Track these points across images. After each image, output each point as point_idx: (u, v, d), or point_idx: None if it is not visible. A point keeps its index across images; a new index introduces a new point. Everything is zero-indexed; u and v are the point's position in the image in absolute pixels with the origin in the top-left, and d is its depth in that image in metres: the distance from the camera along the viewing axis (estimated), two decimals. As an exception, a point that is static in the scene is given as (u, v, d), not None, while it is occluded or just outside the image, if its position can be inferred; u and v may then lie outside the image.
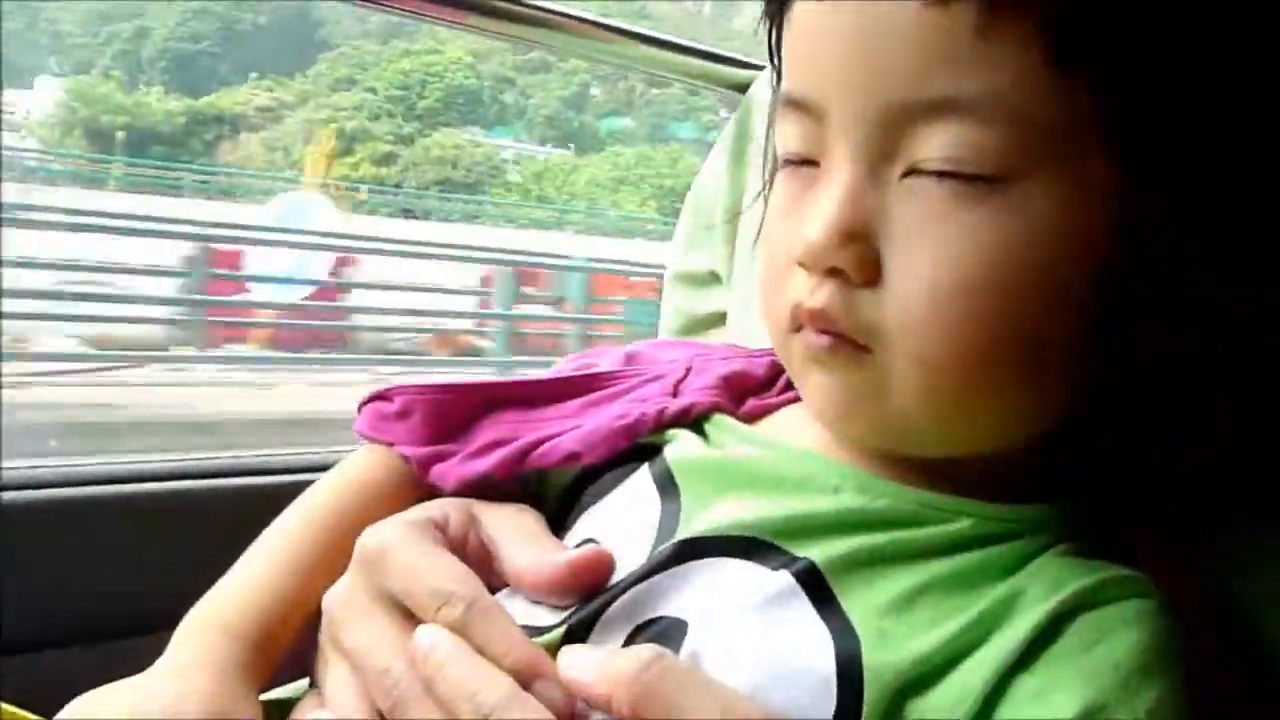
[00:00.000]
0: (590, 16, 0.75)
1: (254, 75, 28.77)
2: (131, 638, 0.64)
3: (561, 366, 0.55)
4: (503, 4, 0.73)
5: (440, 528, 0.44)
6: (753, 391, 0.51)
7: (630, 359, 0.54)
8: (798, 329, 0.42)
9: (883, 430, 0.42)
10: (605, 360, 0.54)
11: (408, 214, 22.12)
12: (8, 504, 0.63)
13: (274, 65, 28.85)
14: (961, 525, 0.40)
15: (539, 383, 0.51)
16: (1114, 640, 0.38)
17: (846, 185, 0.39)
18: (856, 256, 0.38)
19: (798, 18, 0.41)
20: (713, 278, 0.72)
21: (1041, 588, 0.39)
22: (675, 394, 0.49)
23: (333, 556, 0.45)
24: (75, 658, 0.65)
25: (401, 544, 0.42)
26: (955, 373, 0.39)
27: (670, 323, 0.74)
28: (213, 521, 0.71)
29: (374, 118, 28.65)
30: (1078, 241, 0.38)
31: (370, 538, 0.43)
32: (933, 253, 0.38)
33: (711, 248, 0.72)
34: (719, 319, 0.71)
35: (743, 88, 0.76)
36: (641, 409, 0.48)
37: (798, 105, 0.41)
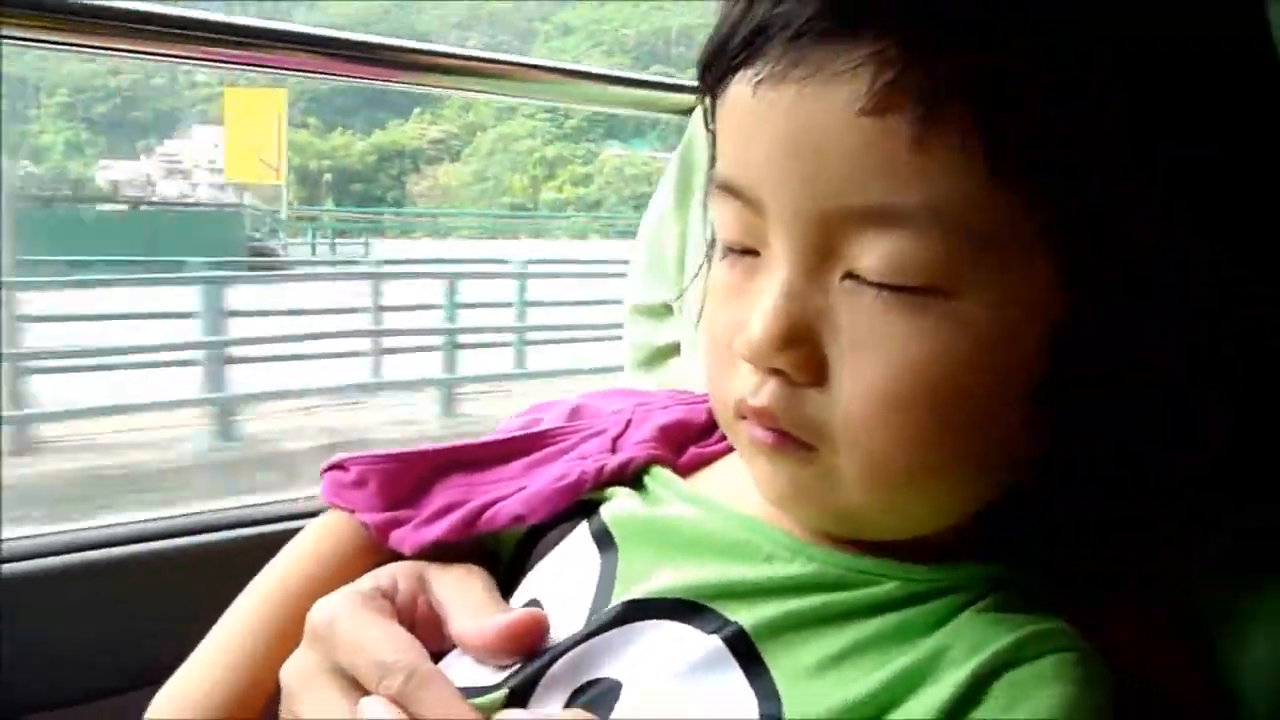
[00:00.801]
0: (524, 60, 0.77)
1: (417, 110, 29.54)
2: (113, 697, 0.67)
3: (508, 423, 0.57)
4: (440, 59, 0.75)
5: (388, 595, 0.47)
6: (693, 439, 0.52)
7: (575, 413, 0.56)
8: (743, 417, 0.42)
9: (830, 519, 0.43)
10: (550, 415, 0.56)
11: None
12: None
13: (403, 99, 29.10)
14: (888, 587, 0.41)
15: (485, 445, 0.53)
16: (1035, 699, 0.38)
17: (786, 284, 0.39)
18: (798, 358, 0.39)
19: (733, 102, 0.40)
20: (667, 309, 0.73)
21: (963, 648, 0.39)
22: (614, 449, 0.51)
23: (298, 629, 0.47)
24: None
25: (347, 616, 0.44)
26: (902, 471, 0.39)
27: (631, 354, 0.76)
28: (192, 578, 0.73)
29: (548, 141, 29.03)
30: (1022, 341, 0.38)
31: (319, 611, 0.46)
32: (875, 360, 0.38)
33: (664, 281, 0.73)
34: (677, 349, 0.73)
35: (685, 111, 0.77)
36: (581, 467, 0.50)
37: (733, 192, 0.40)
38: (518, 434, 0.54)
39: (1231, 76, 0.38)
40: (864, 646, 0.40)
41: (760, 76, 0.37)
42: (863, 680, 0.39)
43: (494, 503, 0.50)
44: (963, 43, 0.34)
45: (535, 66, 0.78)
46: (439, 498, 0.51)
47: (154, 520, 0.73)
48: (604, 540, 0.47)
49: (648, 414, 0.53)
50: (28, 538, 0.70)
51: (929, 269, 0.36)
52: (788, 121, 0.37)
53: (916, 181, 0.35)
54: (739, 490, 0.46)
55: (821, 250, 0.38)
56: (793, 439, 0.40)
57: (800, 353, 0.38)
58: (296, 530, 0.79)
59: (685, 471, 0.50)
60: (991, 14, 0.34)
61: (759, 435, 0.41)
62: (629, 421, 0.53)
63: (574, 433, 0.53)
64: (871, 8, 0.35)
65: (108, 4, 0.71)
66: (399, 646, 0.43)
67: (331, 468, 0.53)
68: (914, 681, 0.39)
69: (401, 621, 0.45)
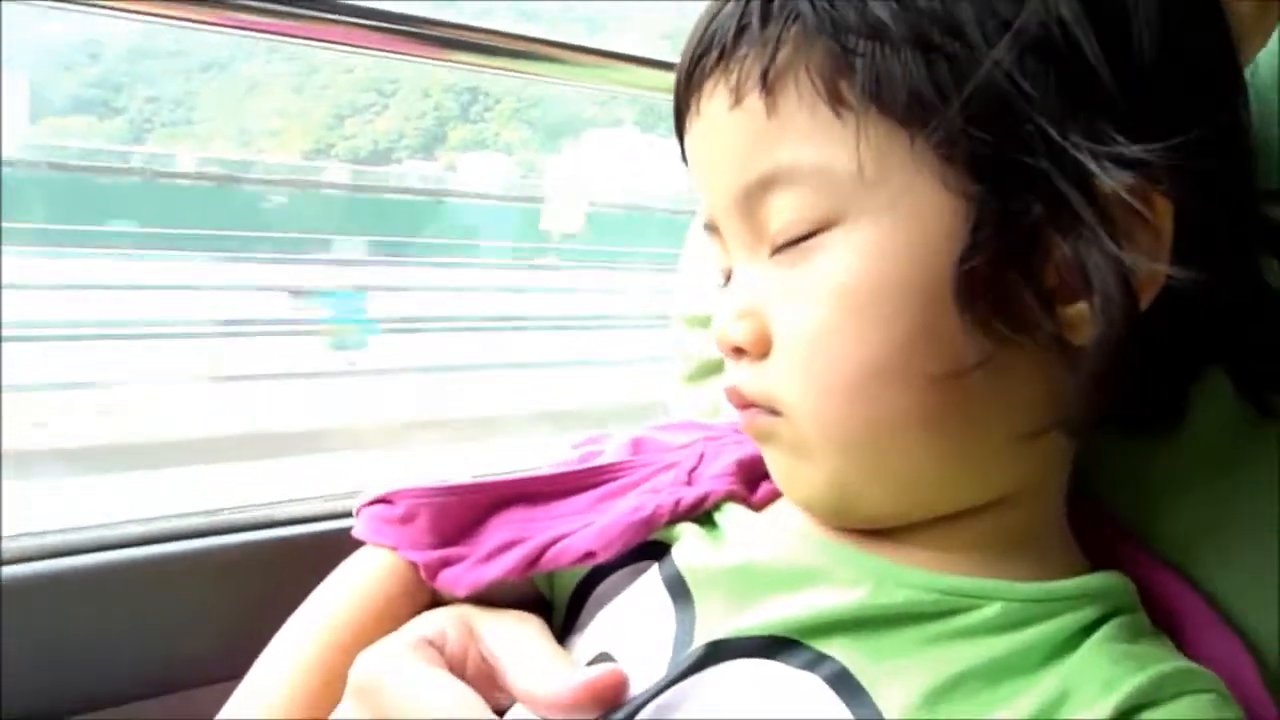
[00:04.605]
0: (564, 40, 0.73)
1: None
2: (138, 701, 0.64)
3: (566, 457, 0.54)
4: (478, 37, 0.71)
5: (437, 646, 0.43)
6: (765, 475, 0.49)
7: (637, 446, 0.52)
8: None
9: (824, 493, 0.42)
10: (610, 448, 0.53)
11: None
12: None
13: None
14: (990, 611, 0.39)
15: (546, 478, 0.50)
16: None
17: (736, 274, 0.43)
18: (748, 332, 0.42)
19: (687, 154, 0.46)
20: None
21: (1093, 688, 0.37)
22: (689, 482, 0.48)
23: (339, 682, 0.43)
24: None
25: (398, 670, 0.41)
26: (848, 415, 0.39)
27: (683, 366, 0.72)
28: (216, 580, 0.70)
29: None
30: (927, 248, 0.38)
31: (363, 665, 0.42)
32: (795, 309, 0.40)
33: (712, 293, 0.70)
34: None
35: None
36: (656, 501, 0.46)
37: (709, 229, 0.45)
38: (580, 468, 0.50)
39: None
40: (975, 676, 0.37)
41: (685, 129, 0.45)
42: (984, 713, 0.36)
43: (558, 539, 0.46)
44: (778, 42, 0.40)
45: (591, 50, 0.74)
46: (495, 534, 0.47)
47: (175, 519, 0.70)
48: (677, 589, 0.43)
49: (720, 447, 0.50)
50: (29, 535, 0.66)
51: (814, 210, 0.39)
52: (701, 144, 0.44)
53: (780, 144, 0.40)
54: (813, 520, 0.44)
55: (750, 235, 0.42)
56: (762, 409, 0.42)
57: (749, 326, 0.41)
58: (320, 533, 0.76)
59: (759, 506, 0.47)
60: (783, 14, 0.40)
61: (742, 417, 0.43)
62: (701, 455, 0.50)
63: (641, 466, 0.50)
64: (713, 47, 0.42)
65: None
66: (458, 703, 0.39)
67: (375, 502, 0.49)
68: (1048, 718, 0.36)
69: (453, 674, 0.41)
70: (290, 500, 0.74)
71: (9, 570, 0.64)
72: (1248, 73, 0.42)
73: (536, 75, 0.82)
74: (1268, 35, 0.49)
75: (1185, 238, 0.37)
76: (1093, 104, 0.36)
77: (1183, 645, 0.42)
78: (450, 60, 0.75)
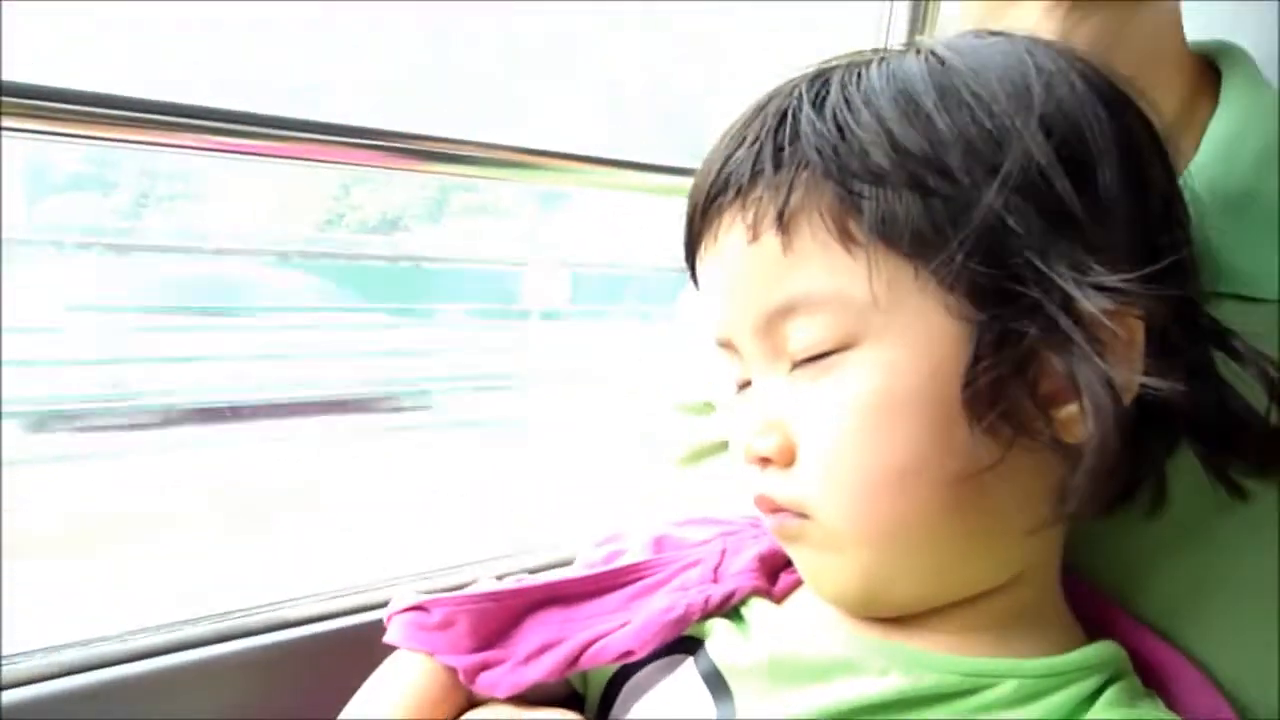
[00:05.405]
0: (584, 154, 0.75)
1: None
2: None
3: (590, 554, 0.56)
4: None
5: None
6: (783, 566, 0.52)
7: (659, 544, 0.55)
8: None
9: (855, 585, 0.45)
10: (633, 545, 0.56)
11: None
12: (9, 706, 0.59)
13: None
14: (1007, 688, 0.43)
15: (578, 581, 0.52)
16: None
17: (759, 389, 0.46)
18: (775, 444, 0.45)
19: (699, 279, 0.49)
20: (707, 406, 0.73)
21: None
22: (716, 579, 0.51)
23: None
24: None
25: None
26: (877, 512, 0.43)
27: (675, 451, 0.75)
28: (223, 689, 0.69)
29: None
30: (936, 365, 0.42)
31: None
32: (819, 422, 0.44)
33: (704, 378, 0.72)
34: (723, 445, 0.72)
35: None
36: (687, 600, 0.49)
37: (722, 345, 0.49)
38: (610, 569, 0.53)
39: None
40: None
41: (699, 254, 0.48)
42: None
43: (596, 639, 0.49)
44: (790, 186, 0.43)
45: (573, 157, 0.77)
46: (531, 636, 0.50)
47: (167, 629, 0.68)
48: (714, 681, 0.46)
49: (740, 543, 0.53)
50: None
51: (833, 332, 0.43)
52: (719, 272, 0.47)
53: (797, 275, 0.44)
54: (836, 611, 0.47)
55: (771, 354, 0.45)
56: (790, 513, 0.44)
57: (776, 439, 0.44)
58: (330, 631, 0.75)
59: (780, 597, 0.51)
60: (794, 161, 0.44)
61: (770, 521, 0.46)
62: (723, 551, 0.53)
63: (667, 564, 0.53)
64: (729, 186, 0.45)
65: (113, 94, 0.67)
66: None
67: (409, 609, 0.52)
68: None
69: None
70: (292, 601, 0.73)
71: (9, 695, 0.63)
72: (1181, 181, 0.47)
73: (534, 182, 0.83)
74: (1196, 141, 0.55)
75: (1153, 345, 0.42)
76: (1070, 236, 0.41)
77: (1170, 701, 0.46)
78: (446, 172, 0.76)
